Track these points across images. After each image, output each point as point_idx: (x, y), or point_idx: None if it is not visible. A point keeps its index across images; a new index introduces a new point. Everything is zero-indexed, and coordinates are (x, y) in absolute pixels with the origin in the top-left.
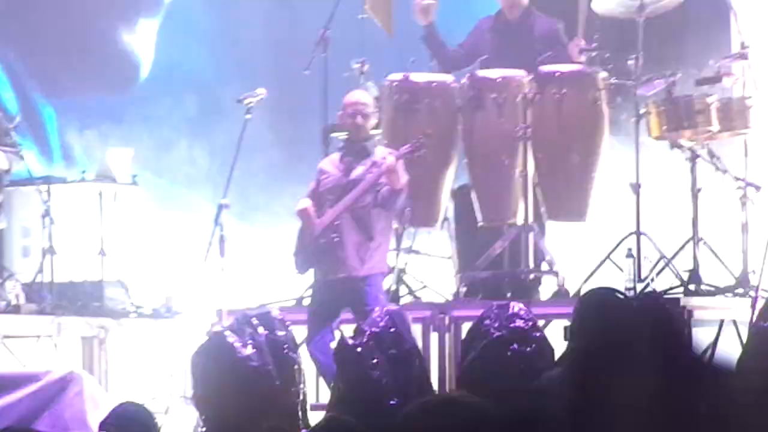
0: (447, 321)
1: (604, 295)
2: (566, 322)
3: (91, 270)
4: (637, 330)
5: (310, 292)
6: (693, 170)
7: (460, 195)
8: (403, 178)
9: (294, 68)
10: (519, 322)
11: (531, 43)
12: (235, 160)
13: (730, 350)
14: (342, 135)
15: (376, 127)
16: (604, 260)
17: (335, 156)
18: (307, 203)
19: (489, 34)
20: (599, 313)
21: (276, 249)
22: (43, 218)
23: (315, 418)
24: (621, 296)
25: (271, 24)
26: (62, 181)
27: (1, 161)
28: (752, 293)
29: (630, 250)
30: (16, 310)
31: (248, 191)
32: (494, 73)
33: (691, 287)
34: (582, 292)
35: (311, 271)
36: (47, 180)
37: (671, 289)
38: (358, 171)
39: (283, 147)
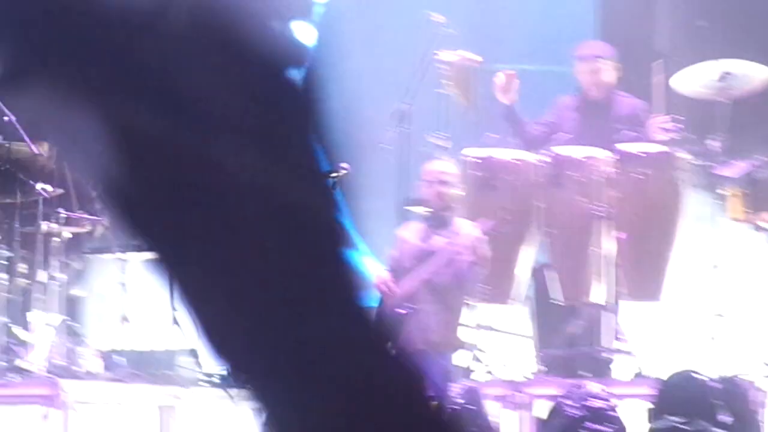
0: (524, 399)
1: (687, 377)
2: (643, 403)
3: (164, 338)
4: (719, 412)
5: None
6: None
7: (539, 273)
8: (486, 253)
9: (367, 141)
10: (596, 402)
11: (614, 122)
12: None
13: None
14: (420, 209)
15: (457, 199)
16: (682, 341)
17: (415, 225)
18: (384, 273)
19: (571, 111)
20: (682, 395)
21: None
22: (121, 286)
23: None
24: (703, 379)
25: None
26: (140, 249)
27: (82, 228)
28: None
29: (710, 332)
30: (91, 377)
31: None
32: (575, 152)
33: None
34: (660, 374)
35: None
36: (125, 248)
37: (748, 371)
38: (437, 242)
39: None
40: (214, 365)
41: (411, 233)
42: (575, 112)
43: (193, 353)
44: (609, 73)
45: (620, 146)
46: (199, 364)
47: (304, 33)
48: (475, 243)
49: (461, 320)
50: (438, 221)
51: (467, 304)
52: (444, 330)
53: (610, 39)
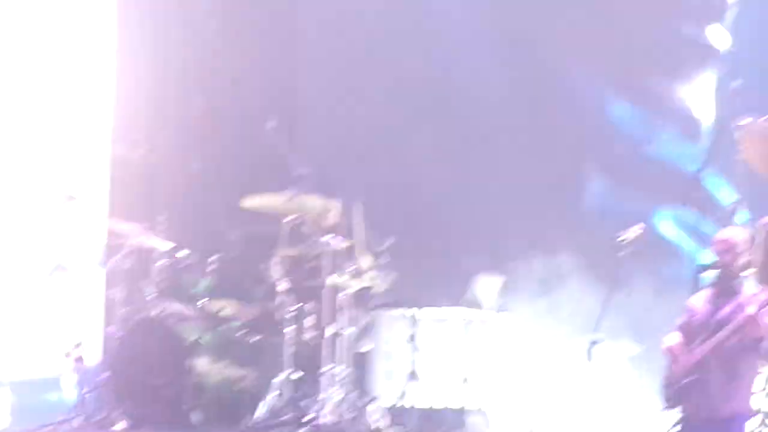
0: None
1: None
2: None
3: (453, 397)
4: None
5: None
6: None
7: None
8: (763, 329)
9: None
10: None
11: None
12: (609, 297)
13: None
14: (711, 275)
15: (749, 266)
16: None
17: (705, 293)
18: (674, 339)
19: None
20: None
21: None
22: (409, 342)
23: None
24: None
25: None
26: (430, 305)
27: (366, 281)
28: None
29: None
30: None
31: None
32: None
33: None
34: None
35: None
36: (415, 303)
37: None
38: (725, 311)
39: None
40: (504, 425)
41: (701, 300)
42: None
43: (483, 413)
44: None
45: None
46: (488, 424)
47: (717, 37)
48: (751, 318)
49: (752, 387)
50: (728, 288)
51: (758, 371)
52: (733, 397)
53: None
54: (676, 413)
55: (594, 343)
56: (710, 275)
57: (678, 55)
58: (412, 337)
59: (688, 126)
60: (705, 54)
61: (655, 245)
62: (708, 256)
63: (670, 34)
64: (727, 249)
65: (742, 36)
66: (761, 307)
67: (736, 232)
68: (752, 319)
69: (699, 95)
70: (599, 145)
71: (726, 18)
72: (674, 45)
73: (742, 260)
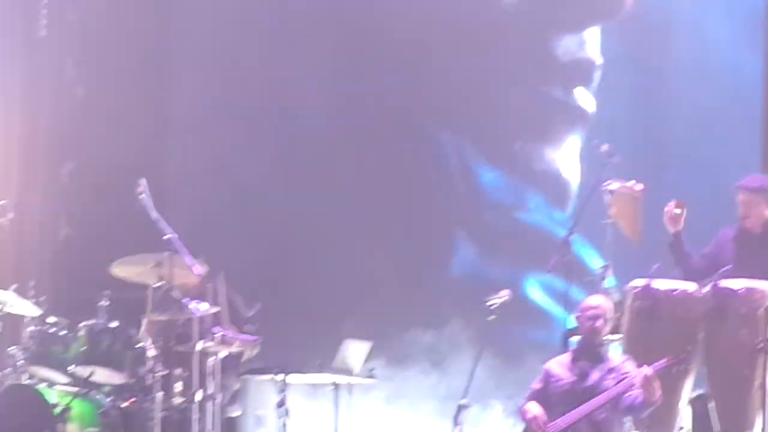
0: None
1: None
2: None
3: None
4: None
5: None
6: None
7: (698, 404)
8: (657, 391)
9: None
10: None
11: None
12: (476, 360)
13: None
14: (575, 340)
15: (615, 331)
16: None
17: (564, 358)
18: (535, 410)
19: (731, 244)
20: None
21: None
22: (278, 408)
23: None
24: None
25: None
26: (298, 371)
27: (236, 347)
28: None
29: None
30: None
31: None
32: (737, 284)
33: None
34: None
35: None
36: (283, 369)
37: None
38: (593, 377)
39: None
40: None
41: (561, 366)
42: (735, 244)
43: None
44: (760, 206)
45: None
46: None
47: (585, 99)
48: (647, 380)
49: None
50: (594, 354)
51: None
52: None
53: None
54: None
55: (462, 407)
56: (575, 340)
57: (546, 118)
58: (281, 403)
59: (556, 191)
60: (573, 117)
61: (524, 310)
62: (574, 321)
63: (538, 96)
64: (594, 315)
65: (610, 99)
66: (656, 370)
67: (602, 299)
68: (647, 382)
69: (567, 159)
70: (468, 212)
71: (593, 81)
72: (542, 108)
73: (608, 327)
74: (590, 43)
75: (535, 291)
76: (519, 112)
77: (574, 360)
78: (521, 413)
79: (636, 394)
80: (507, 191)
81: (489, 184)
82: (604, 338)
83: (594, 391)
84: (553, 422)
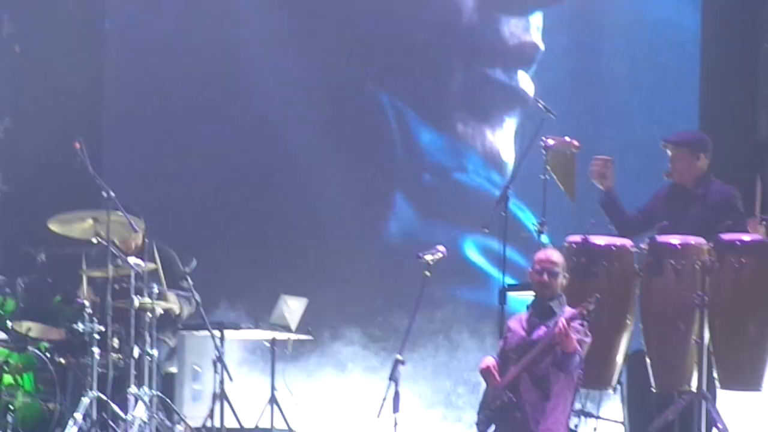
0: None
1: None
2: None
3: (261, 417)
4: None
5: None
6: None
7: (634, 359)
8: (573, 343)
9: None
10: None
11: (706, 209)
12: (413, 316)
13: None
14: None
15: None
16: None
17: (523, 314)
18: (489, 361)
19: (666, 199)
20: None
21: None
22: (215, 363)
23: None
24: None
25: None
26: (236, 327)
27: (174, 306)
28: None
29: None
30: None
31: (419, 347)
32: (674, 239)
33: None
34: None
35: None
36: (220, 325)
37: None
38: (540, 332)
39: (457, 304)
40: None
41: (518, 322)
42: (670, 199)
43: None
44: (689, 161)
45: (716, 234)
46: None
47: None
48: (560, 331)
49: (566, 407)
50: (542, 310)
51: (570, 391)
52: (548, 418)
53: (711, 127)
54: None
55: (398, 362)
56: (522, 297)
57: (487, 97)
58: (219, 358)
59: (494, 154)
60: (514, 99)
61: (461, 270)
62: (521, 278)
63: (481, 76)
64: (544, 269)
65: (548, 55)
66: (569, 321)
67: (555, 253)
68: (562, 333)
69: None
70: (407, 172)
71: (534, 65)
72: (485, 87)
73: (559, 280)
74: (534, 26)
75: (472, 252)
76: (461, 89)
77: (529, 315)
78: (479, 365)
79: (566, 345)
80: (446, 153)
81: (428, 146)
82: (555, 293)
83: (539, 345)
84: (503, 376)
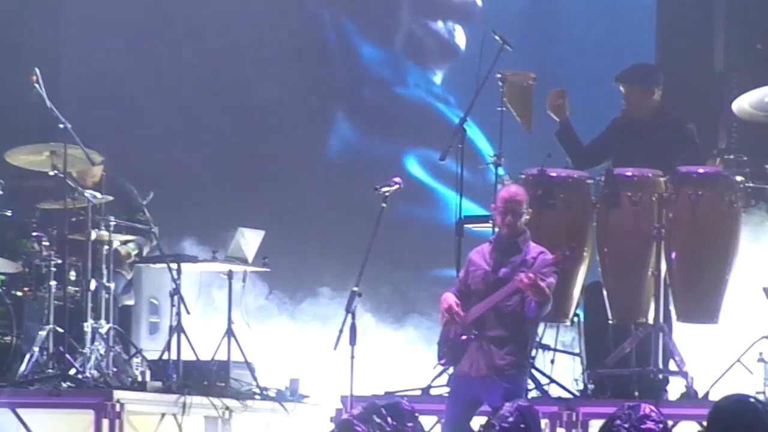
0: (575, 417)
1: (738, 400)
2: (694, 425)
3: (218, 349)
4: None
5: (437, 381)
6: None
7: (591, 291)
8: (545, 291)
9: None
10: (650, 424)
11: (662, 141)
12: (368, 249)
13: None
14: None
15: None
16: (735, 363)
17: (486, 247)
18: (451, 299)
19: (619, 131)
20: (734, 420)
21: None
22: (172, 296)
23: None
24: (755, 402)
25: None
26: (193, 259)
27: (130, 236)
28: None
29: (761, 354)
30: (141, 386)
31: (378, 280)
32: (630, 171)
33: None
34: (711, 395)
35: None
36: (178, 258)
37: None
38: (506, 269)
39: (418, 238)
40: (269, 379)
41: (481, 256)
42: (626, 132)
43: (249, 366)
44: (638, 95)
45: (674, 166)
46: (254, 377)
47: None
48: (531, 284)
49: (528, 348)
50: (507, 246)
51: (535, 328)
52: (509, 357)
53: (668, 60)
54: (451, 370)
55: (354, 294)
56: (480, 228)
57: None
58: (176, 290)
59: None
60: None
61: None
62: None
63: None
64: (508, 208)
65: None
66: (540, 269)
67: (518, 189)
68: (533, 285)
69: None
70: (347, 88)
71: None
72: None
73: (522, 218)
74: None
75: (414, 167)
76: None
77: (492, 250)
78: (440, 302)
79: (535, 287)
80: (386, 66)
81: (368, 59)
82: (519, 230)
83: (505, 283)
84: (466, 313)
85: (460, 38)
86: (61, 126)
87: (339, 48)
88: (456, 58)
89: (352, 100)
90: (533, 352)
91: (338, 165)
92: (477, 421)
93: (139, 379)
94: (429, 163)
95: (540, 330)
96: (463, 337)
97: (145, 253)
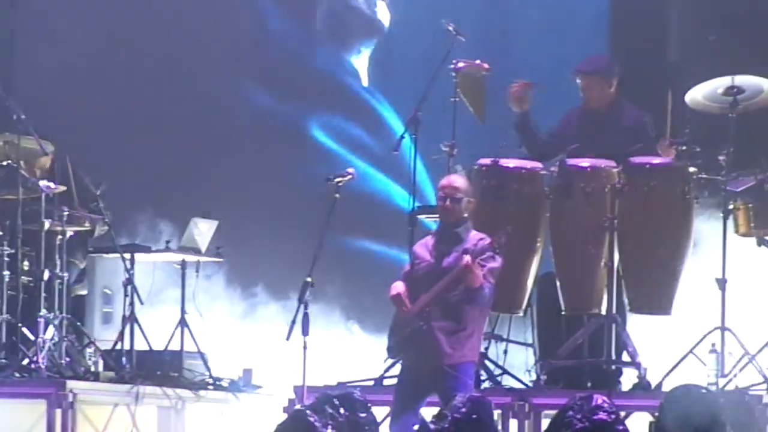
0: (527, 408)
1: (690, 391)
2: (647, 415)
3: (171, 339)
4: (722, 426)
5: (390, 372)
6: None
7: (544, 282)
8: (479, 278)
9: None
10: (602, 415)
11: (618, 133)
12: (321, 238)
13: None
14: (433, 218)
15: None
16: (687, 354)
17: (429, 239)
18: (399, 288)
19: (577, 122)
20: (685, 410)
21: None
22: (125, 286)
23: None
24: (706, 392)
25: None
26: (146, 249)
27: (84, 226)
28: None
29: (714, 345)
30: (94, 376)
31: (332, 270)
32: (584, 163)
33: None
34: (664, 386)
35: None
36: (131, 248)
37: (754, 386)
38: (450, 258)
39: (371, 227)
40: (222, 369)
41: (424, 248)
42: (582, 123)
43: (202, 355)
44: (598, 87)
45: (627, 157)
46: (207, 367)
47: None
48: (466, 268)
49: (477, 337)
50: (449, 236)
51: (483, 318)
52: (458, 347)
53: (622, 51)
54: (401, 361)
55: (307, 284)
56: (432, 217)
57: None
58: (129, 280)
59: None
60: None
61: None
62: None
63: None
64: (447, 195)
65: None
66: (476, 257)
67: (459, 178)
68: (468, 269)
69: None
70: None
71: None
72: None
73: (463, 206)
74: None
75: (320, 133)
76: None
77: (436, 241)
78: (389, 291)
79: (477, 273)
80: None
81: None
82: (459, 218)
83: (449, 272)
84: (413, 304)
85: (383, 14)
86: (14, 116)
87: (251, 22)
88: (381, 35)
89: (262, 67)
90: (486, 343)
91: (248, 130)
92: (429, 412)
93: (92, 369)
94: (335, 129)
95: (493, 320)
96: (412, 327)
97: (93, 236)
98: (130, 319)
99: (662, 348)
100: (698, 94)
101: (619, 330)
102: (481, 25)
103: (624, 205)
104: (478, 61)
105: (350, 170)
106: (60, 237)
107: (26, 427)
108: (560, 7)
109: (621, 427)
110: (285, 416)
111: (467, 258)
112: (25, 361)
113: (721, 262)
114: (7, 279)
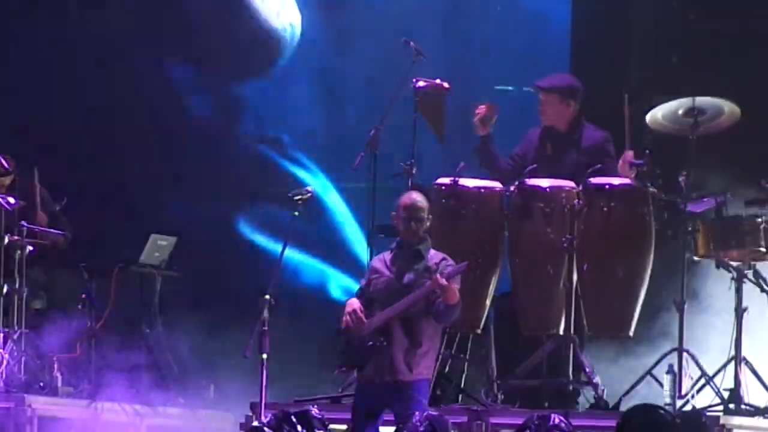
0: (484, 427)
1: (647, 411)
2: None
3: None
4: None
5: (348, 390)
6: (738, 290)
7: (502, 302)
8: (457, 294)
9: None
10: None
11: (579, 153)
12: (282, 252)
13: None
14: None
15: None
16: (645, 375)
17: (387, 255)
18: (355, 304)
19: (539, 143)
20: (642, 430)
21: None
22: (84, 301)
23: None
24: (664, 413)
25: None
26: (105, 264)
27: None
28: None
29: (671, 366)
30: (53, 392)
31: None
32: (543, 183)
33: (731, 406)
34: (621, 406)
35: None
36: (90, 263)
37: (711, 407)
38: (410, 276)
39: (329, 244)
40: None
41: (383, 263)
42: (542, 143)
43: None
44: (555, 105)
45: (586, 178)
46: (165, 381)
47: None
48: (443, 287)
49: (434, 354)
50: (410, 253)
51: (439, 335)
52: (415, 363)
53: (583, 72)
54: (356, 375)
55: (266, 302)
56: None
57: None
58: (90, 295)
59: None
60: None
61: None
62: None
63: None
64: (410, 215)
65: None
66: (453, 275)
67: (419, 197)
68: (446, 287)
69: None
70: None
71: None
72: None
73: (425, 225)
74: None
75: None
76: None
77: (394, 258)
78: (345, 307)
79: (440, 300)
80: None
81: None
82: (421, 237)
83: (410, 290)
84: (370, 319)
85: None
86: None
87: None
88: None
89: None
90: (444, 362)
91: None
92: (386, 431)
93: (55, 384)
94: None
95: (450, 339)
96: (369, 344)
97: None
98: (91, 332)
99: (619, 368)
100: (659, 114)
101: (576, 350)
102: (443, 44)
103: (583, 225)
104: (438, 80)
105: (309, 188)
106: (19, 251)
107: None
108: (521, 29)
109: None
110: None
111: (440, 280)
112: None
113: (680, 284)
114: None
